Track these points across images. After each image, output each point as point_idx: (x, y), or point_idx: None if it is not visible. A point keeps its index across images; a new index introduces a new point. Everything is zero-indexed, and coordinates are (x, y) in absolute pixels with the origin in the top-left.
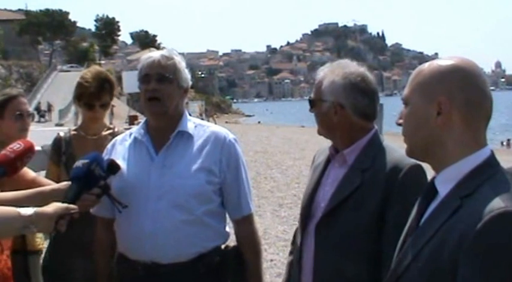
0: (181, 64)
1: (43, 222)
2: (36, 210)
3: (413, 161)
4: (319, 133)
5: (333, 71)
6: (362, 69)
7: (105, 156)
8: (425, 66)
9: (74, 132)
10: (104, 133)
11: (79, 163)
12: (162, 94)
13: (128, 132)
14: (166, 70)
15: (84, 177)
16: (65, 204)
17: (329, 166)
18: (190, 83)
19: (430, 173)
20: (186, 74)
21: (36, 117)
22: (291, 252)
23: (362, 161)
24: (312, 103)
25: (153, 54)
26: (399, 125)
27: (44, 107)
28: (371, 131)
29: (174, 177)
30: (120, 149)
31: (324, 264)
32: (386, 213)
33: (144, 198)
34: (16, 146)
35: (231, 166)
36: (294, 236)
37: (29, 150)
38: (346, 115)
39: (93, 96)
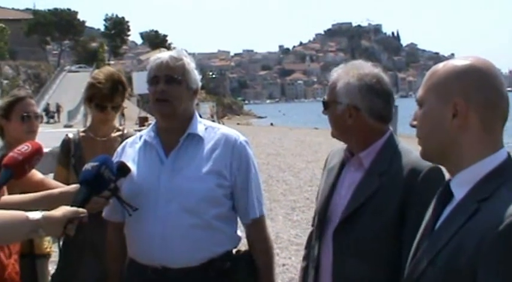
0: (191, 65)
1: (51, 226)
2: (44, 214)
3: (430, 163)
4: (333, 135)
5: (347, 72)
6: (377, 70)
7: (115, 159)
8: (440, 66)
9: (83, 133)
10: (114, 135)
11: (88, 166)
12: (171, 96)
13: (138, 134)
14: (174, 71)
15: (93, 180)
16: (74, 208)
17: (344, 169)
18: (200, 84)
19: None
20: (196, 75)
21: (45, 118)
22: (305, 257)
23: (378, 165)
24: (326, 105)
25: (162, 55)
26: (413, 126)
27: (52, 108)
28: (386, 133)
29: (184, 180)
30: (130, 152)
31: (344, 270)
32: (405, 217)
33: (154, 202)
34: (24, 147)
35: (242, 169)
36: (308, 241)
37: (37, 152)
38: (362, 118)
39: (105, 98)
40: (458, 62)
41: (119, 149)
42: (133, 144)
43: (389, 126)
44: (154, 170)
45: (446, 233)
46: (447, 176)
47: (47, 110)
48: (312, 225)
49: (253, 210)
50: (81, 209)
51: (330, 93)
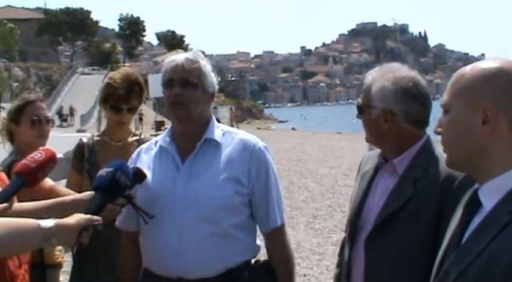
0: (207, 67)
1: (64, 235)
2: (57, 222)
3: None
4: (367, 140)
5: (382, 76)
6: (413, 73)
7: (130, 165)
8: (467, 69)
9: (98, 138)
10: (130, 140)
11: (103, 172)
12: (186, 99)
13: (153, 140)
14: (190, 74)
15: (108, 186)
16: (88, 216)
17: (378, 175)
18: (216, 87)
19: None
20: (212, 78)
21: (58, 122)
22: (338, 264)
23: (413, 171)
24: (360, 109)
25: (177, 58)
26: (438, 133)
27: (66, 111)
28: (423, 139)
29: (201, 187)
30: (145, 158)
31: (375, 278)
32: (442, 224)
33: (169, 210)
34: (37, 155)
35: (261, 176)
36: (341, 247)
37: (50, 159)
38: (397, 122)
39: (121, 99)
40: (486, 64)
41: (134, 155)
42: (148, 150)
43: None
44: (169, 176)
45: (476, 246)
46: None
47: (60, 112)
48: (344, 232)
49: (273, 219)
50: (95, 217)
51: (365, 97)
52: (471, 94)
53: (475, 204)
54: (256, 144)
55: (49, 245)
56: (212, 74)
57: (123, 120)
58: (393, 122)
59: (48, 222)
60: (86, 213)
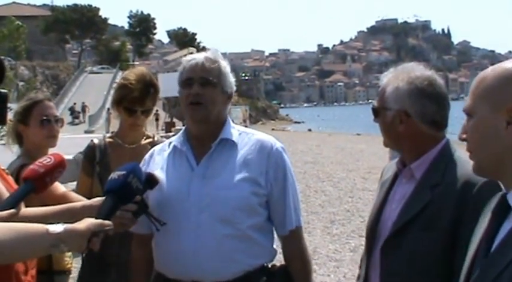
0: (227, 67)
1: (74, 240)
2: (66, 227)
3: None
4: (385, 145)
5: (397, 76)
6: (429, 73)
7: (143, 167)
8: (489, 71)
9: (110, 139)
10: (143, 142)
11: (115, 175)
12: (205, 99)
13: (167, 141)
14: (210, 74)
15: (120, 190)
16: (99, 220)
17: (396, 182)
18: (234, 88)
19: None
20: (231, 78)
21: (70, 119)
22: (358, 277)
23: (431, 176)
24: (376, 112)
25: (197, 56)
26: (463, 140)
27: (78, 108)
28: (442, 142)
29: (216, 188)
30: (158, 160)
31: None
32: (459, 233)
33: (185, 212)
34: (46, 160)
35: (279, 177)
36: (362, 259)
37: (59, 164)
38: (413, 124)
39: (135, 101)
40: (508, 65)
41: (147, 156)
42: (162, 151)
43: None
44: (184, 178)
45: (508, 254)
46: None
47: (72, 109)
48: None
49: (290, 221)
50: (106, 222)
51: (380, 99)
52: (493, 96)
53: (504, 210)
54: (273, 145)
55: (58, 251)
56: (231, 75)
57: (137, 123)
58: (409, 123)
59: (57, 227)
60: (96, 218)
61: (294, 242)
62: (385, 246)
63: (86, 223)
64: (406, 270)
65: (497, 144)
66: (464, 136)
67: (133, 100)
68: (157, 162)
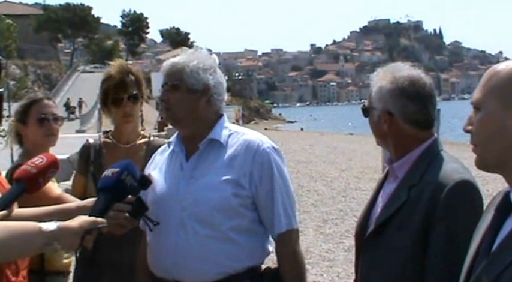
0: (197, 64)
1: (67, 238)
2: (59, 225)
3: (461, 176)
4: (378, 144)
5: (383, 76)
6: (415, 72)
7: (148, 167)
8: (502, 66)
9: (105, 139)
10: (139, 142)
11: (108, 172)
12: (170, 103)
13: (167, 141)
14: (172, 78)
15: (113, 188)
16: (92, 218)
17: (386, 181)
18: (210, 82)
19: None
20: (201, 74)
21: (65, 114)
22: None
23: (411, 176)
24: (365, 111)
25: (165, 63)
26: (467, 132)
27: (74, 103)
28: (427, 141)
29: (199, 189)
30: (158, 160)
31: None
32: (429, 235)
33: (170, 212)
34: (38, 160)
35: (264, 178)
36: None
37: (52, 164)
38: (396, 123)
39: (118, 88)
40: None
41: (153, 156)
42: (163, 151)
43: (434, 133)
44: (174, 177)
45: (510, 251)
46: (486, 187)
47: (67, 105)
48: None
49: (278, 224)
50: (99, 219)
51: (368, 99)
52: (504, 93)
53: (506, 208)
54: (261, 145)
55: (51, 249)
56: (201, 70)
57: (126, 111)
58: (392, 122)
59: (50, 225)
60: (89, 216)
61: (284, 245)
62: (365, 244)
63: (79, 221)
64: (382, 269)
65: (503, 141)
66: (469, 128)
67: (116, 88)
68: (157, 162)
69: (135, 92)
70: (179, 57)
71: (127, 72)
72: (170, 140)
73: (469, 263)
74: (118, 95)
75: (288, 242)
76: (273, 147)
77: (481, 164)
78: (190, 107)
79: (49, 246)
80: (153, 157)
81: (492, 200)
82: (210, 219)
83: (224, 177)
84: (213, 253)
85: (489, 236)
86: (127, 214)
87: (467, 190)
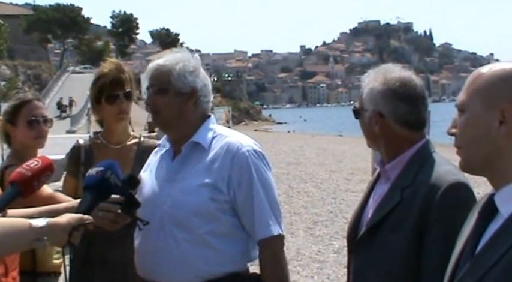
0: (184, 67)
1: (56, 234)
2: (48, 221)
3: (455, 178)
4: (368, 146)
5: (374, 78)
6: (406, 74)
7: (145, 168)
8: (486, 69)
9: (95, 140)
10: (129, 143)
11: (92, 171)
12: (158, 106)
13: (158, 143)
14: (159, 81)
15: (98, 186)
16: (79, 215)
17: (377, 182)
18: (198, 85)
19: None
20: (188, 77)
21: (57, 113)
22: None
23: (404, 177)
24: (356, 113)
25: (150, 65)
26: (451, 134)
27: (65, 102)
28: (419, 142)
29: (178, 192)
30: (151, 161)
31: None
32: (424, 237)
33: (152, 214)
34: (33, 163)
35: (243, 183)
36: None
37: (47, 168)
38: (387, 125)
39: (115, 84)
40: (505, 65)
41: (149, 158)
42: (157, 152)
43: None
44: (159, 180)
45: (493, 253)
46: (477, 190)
47: (59, 103)
48: None
49: (259, 231)
50: (86, 216)
51: (359, 100)
52: (489, 94)
53: (490, 211)
54: (240, 148)
55: (41, 245)
56: (188, 74)
57: (122, 109)
58: (383, 124)
59: (39, 222)
60: (76, 213)
61: (266, 251)
62: (357, 246)
63: (67, 217)
64: (378, 270)
65: (488, 143)
66: (453, 131)
67: (112, 84)
68: (149, 163)
69: (129, 90)
70: (163, 59)
71: (122, 70)
72: (160, 141)
73: (453, 265)
74: (114, 91)
75: (268, 249)
76: (254, 150)
77: (466, 167)
78: (179, 110)
79: (39, 241)
80: (149, 158)
81: (478, 202)
82: (187, 223)
83: (202, 181)
84: (191, 257)
85: (473, 238)
86: (119, 211)
87: (462, 192)
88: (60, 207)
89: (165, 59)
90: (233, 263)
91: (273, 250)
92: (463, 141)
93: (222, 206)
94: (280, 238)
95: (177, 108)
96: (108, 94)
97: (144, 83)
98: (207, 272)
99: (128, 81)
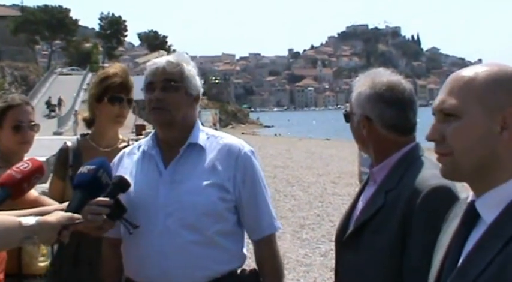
0: (192, 70)
1: (46, 233)
2: (38, 219)
3: (438, 181)
4: (360, 149)
5: (363, 82)
6: (394, 78)
7: (112, 170)
8: (477, 71)
9: (84, 142)
10: (119, 146)
11: (84, 169)
12: (168, 103)
13: (136, 144)
14: (171, 77)
15: (89, 184)
16: (69, 213)
17: (367, 185)
18: (202, 90)
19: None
20: (196, 81)
21: (46, 111)
22: None
23: (388, 180)
24: (346, 117)
25: (158, 61)
26: (432, 140)
27: (54, 102)
28: (407, 146)
29: (183, 193)
30: (127, 163)
31: None
32: (406, 241)
33: (152, 217)
34: (23, 165)
35: (247, 182)
36: None
37: (37, 170)
38: (374, 128)
39: (121, 88)
40: (498, 67)
41: (115, 159)
42: (131, 154)
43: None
44: (152, 182)
45: (479, 261)
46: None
47: (48, 102)
48: None
49: (264, 227)
50: (76, 215)
51: (349, 104)
52: (488, 100)
53: (472, 218)
54: (242, 149)
55: (31, 243)
56: (197, 77)
57: (123, 113)
58: (371, 127)
59: (29, 220)
60: (65, 212)
61: (266, 247)
62: (343, 248)
63: (57, 216)
64: (362, 270)
65: (484, 149)
66: (433, 137)
67: (120, 87)
68: (126, 166)
69: (132, 97)
70: (172, 56)
71: (128, 75)
72: (140, 142)
73: (435, 275)
74: (120, 94)
75: (270, 245)
76: (252, 151)
77: (453, 174)
78: (185, 111)
79: (29, 239)
80: (117, 160)
81: (452, 209)
82: (197, 224)
83: (208, 182)
84: (199, 258)
85: (455, 246)
86: (105, 216)
87: (444, 196)
88: (49, 209)
89: (176, 57)
90: (236, 260)
91: (273, 246)
92: (457, 147)
93: (229, 205)
94: (275, 234)
95: (185, 108)
96: (113, 95)
97: (136, 85)
98: (215, 271)
99: (131, 88)
